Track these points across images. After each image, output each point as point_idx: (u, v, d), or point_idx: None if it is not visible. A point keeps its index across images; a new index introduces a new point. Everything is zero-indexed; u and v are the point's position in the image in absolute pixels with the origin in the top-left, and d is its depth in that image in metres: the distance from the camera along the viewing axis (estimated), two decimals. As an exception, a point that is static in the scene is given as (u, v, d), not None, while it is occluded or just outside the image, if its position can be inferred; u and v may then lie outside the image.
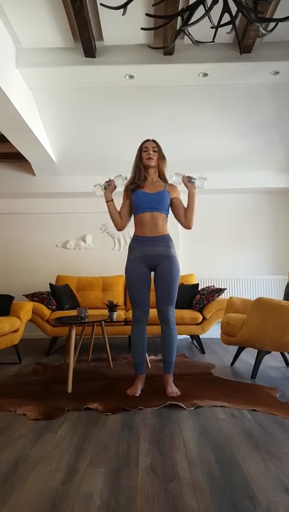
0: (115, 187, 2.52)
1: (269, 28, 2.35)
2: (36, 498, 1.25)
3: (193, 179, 2.45)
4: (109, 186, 2.51)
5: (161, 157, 2.49)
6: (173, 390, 2.32)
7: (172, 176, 2.45)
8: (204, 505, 1.20)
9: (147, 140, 2.50)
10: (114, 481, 1.35)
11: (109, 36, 2.93)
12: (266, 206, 5.13)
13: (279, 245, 5.08)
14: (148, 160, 2.44)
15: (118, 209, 2.54)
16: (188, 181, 2.45)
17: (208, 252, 5.05)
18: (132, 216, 2.54)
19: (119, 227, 2.54)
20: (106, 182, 2.52)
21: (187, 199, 2.46)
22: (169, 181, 2.50)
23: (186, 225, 2.50)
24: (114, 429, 1.84)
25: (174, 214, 2.54)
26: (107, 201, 2.53)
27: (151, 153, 2.44)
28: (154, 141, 2.49)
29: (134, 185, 2.45)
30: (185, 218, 2.49)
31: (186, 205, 2.50)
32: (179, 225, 2.54)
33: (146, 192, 2.43)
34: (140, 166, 2.46)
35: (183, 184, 2.47)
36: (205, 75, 3.16)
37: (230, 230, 5.10)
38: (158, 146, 2.48)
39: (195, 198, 2.47)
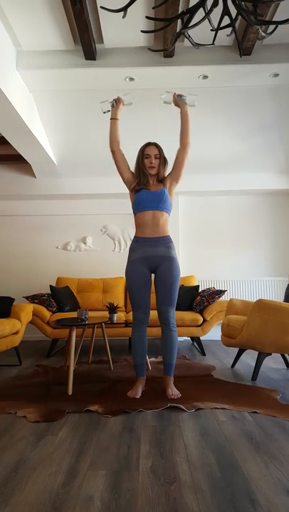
0: (123, 105, 2.50)
1: (269, 31, 2.36)
2: (37, 501, 1.24)
3: (184, 96, 2.44)
4: (116, 103, 2.48)
5: (163, 162, 2.48)
6: (173, 391, 2.32)
7: (162, 94, 2.44)
8: (205, 508, 1.20)
9: (149, 144, 2.48)
10: (114, 483, 1.35)
11: (109, 39, 2.94)
12: (266, 208, 5.13)
13: (279, 247, 5.08)
14: (150, 169, 2.44)
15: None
16: (180, 99, 2.44)
17: (209, 253, 5.05)
18: (133, 214, 2.52)
19: (112, 145, 2.47)
20: (114, 99, 2.49)
21: (180, 117, 2.45)
22: (161, 99, 2.48)
23: (184, 141, 2.44)
24: (114, 431, 1.83)
25: (175, 163, 2.48)
26: (111, 118, 2.49)
27: (153, 161, 2.43)
28: (155, 145, 2.47)
29: (140, 187, 2.45)
30: (181, 135, 2.44)
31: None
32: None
33: (148, 190, 2.43)
34: (144, 171, 2.45)
35: (173, 103, 2.47)
36: (205, 77, 3.17)
37: (230, 232, 5.10)
38: (160, 151, 2.47)
39: (188, 115, 2.45)
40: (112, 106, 2.49)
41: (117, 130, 2.49)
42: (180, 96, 2.44)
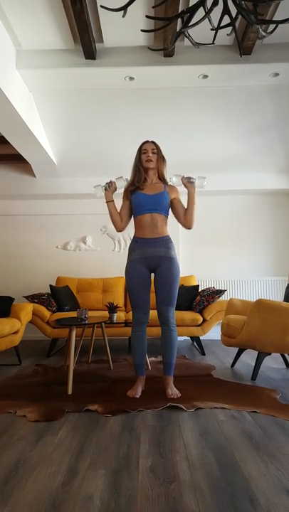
0: (116, 188, 2.53)
1: (269, 30, 2.36)
2: (36, 500, 1.24)
3: (193, 179, 2.45)
4: (110, 187, 2.52)
5: (161, 158, 2.48)
6: (173, 391, 2.32)
7: (171, 178, 2.47)
8: (205, 507, 1.19)
9: (146, 141, 2.50)
10: (114, 482, 1.35)
11: (109, 38, 2.94)
12: (266, 207, 5.13)
13: (279, 247, 5.08)
14: (147, 162, 2.44)
15: (118, 210, 2.55)
16: (188, 182, 2.46)
17: (209, 253, 5.05)
18: (132, 217, 2.55)
19: (119, 228, 2.55)
20: (107, 183, 2.53)
21: (187, 200, 2.46)
22: (169, 183, 2.51)
23: (186, 225, 2.51)
24: (114, 430, 1.83)
25: (174, 214, 2.54)
26: (107, 201, 2.53)
27: (150, 155, 2.44)
28: (153, 142, 2.49)
29: (134, 187, 2.45)
30: (185, 219, 2.49)
31: (186, 206, 2.50)
32: (180, 226, 2.55)
33: (145, 194, 2.43)
34: (140, 168, 2.46)
35: (183, 185, 2.48)
36: (205, 76, 3.17)
37: (230, 232, 5.10)
38: (157, 147, 2.48)
39: (195, 198, 2.47)
40: (105, 189, 2.52)
41: (117, 211, 2.53)
42: (189, 178, 2.45)
